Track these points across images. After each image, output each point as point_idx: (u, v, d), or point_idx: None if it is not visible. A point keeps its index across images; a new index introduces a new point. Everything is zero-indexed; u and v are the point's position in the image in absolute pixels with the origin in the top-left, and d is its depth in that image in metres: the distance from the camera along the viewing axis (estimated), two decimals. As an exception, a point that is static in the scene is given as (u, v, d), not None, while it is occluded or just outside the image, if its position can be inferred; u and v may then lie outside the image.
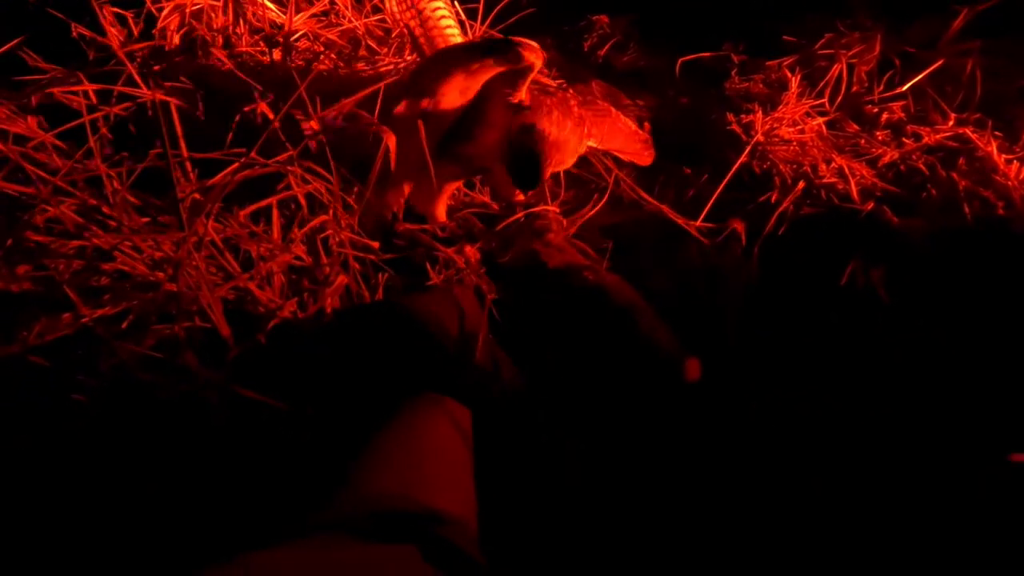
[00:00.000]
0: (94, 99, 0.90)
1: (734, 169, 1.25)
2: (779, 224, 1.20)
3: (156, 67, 1.07)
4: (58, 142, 0.96)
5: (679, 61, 1.65)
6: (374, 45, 1.46)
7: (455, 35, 1.28)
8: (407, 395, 0.86)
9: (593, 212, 1.25)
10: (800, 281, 1.13)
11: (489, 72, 1.05)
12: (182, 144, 0.81)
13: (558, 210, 1.19)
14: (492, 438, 0.91)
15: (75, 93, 0.96)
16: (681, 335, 1.04)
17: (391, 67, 1.42)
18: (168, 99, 0.80)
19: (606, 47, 1.80)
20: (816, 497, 0.94)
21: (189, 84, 1.09)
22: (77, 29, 1.24)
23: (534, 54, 1.03)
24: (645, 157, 1.31)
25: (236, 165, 0.85)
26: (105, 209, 0.92)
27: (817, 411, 1.00)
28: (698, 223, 1.21)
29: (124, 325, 0.92)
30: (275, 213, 0.97)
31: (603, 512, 0.94)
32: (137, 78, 0.95)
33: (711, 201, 1.22)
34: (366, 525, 0.66)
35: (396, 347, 0.93)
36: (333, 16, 1.50)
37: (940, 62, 1.45)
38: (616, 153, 1.30)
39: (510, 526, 0.87)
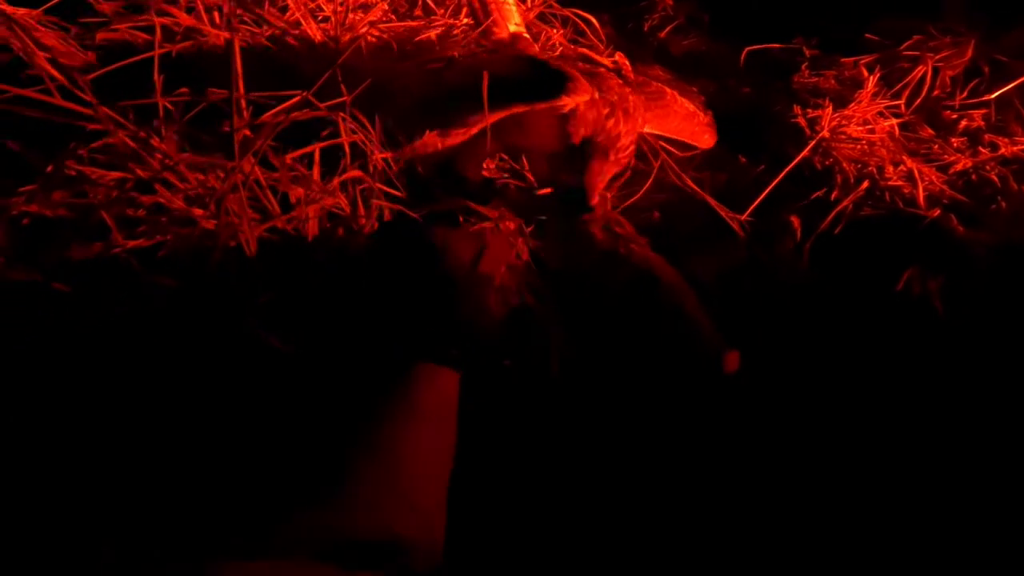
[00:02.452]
0: (159, 36, 0.96)
1: (796, 161, 1.26)
2: (836, 222, 1.19)
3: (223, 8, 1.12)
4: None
5: (745, 50, 1.66)
6: (431, 4, 1.50)
7: (510, 4, 1.32)
8: (401, 358, 0.87)
9: (639, 195, 1.27)
10: (852, 283, 1.13)
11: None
12: (241, 83, 0.86)
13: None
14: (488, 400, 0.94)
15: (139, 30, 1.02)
16: (719, 325, 1.06)
17: (443, 28, 1.46)
18: (234, 35, 0.85)
19: (667, 29, 1.81)
20: (841, 500, 0.95)
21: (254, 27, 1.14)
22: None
23: (579, 95, 1.04)
24: (706, 139, 1.32)
25: (292, 102, 0.90)
26: (154, 142, 0.98)
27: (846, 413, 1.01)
28: (744, 217, 1.22)
29: (157, 258, 0.98)
30: (317, 158, 1.01)
31: (616, 499, 0.96)
32: (204, 16, 1.01)
33: (765, 193, 1.22)
34: (330, 550, 0.67)
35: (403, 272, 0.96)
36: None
37: (1031, 72, 1.42)
38: (673, 135, 1.31)
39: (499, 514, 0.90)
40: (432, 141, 1.06)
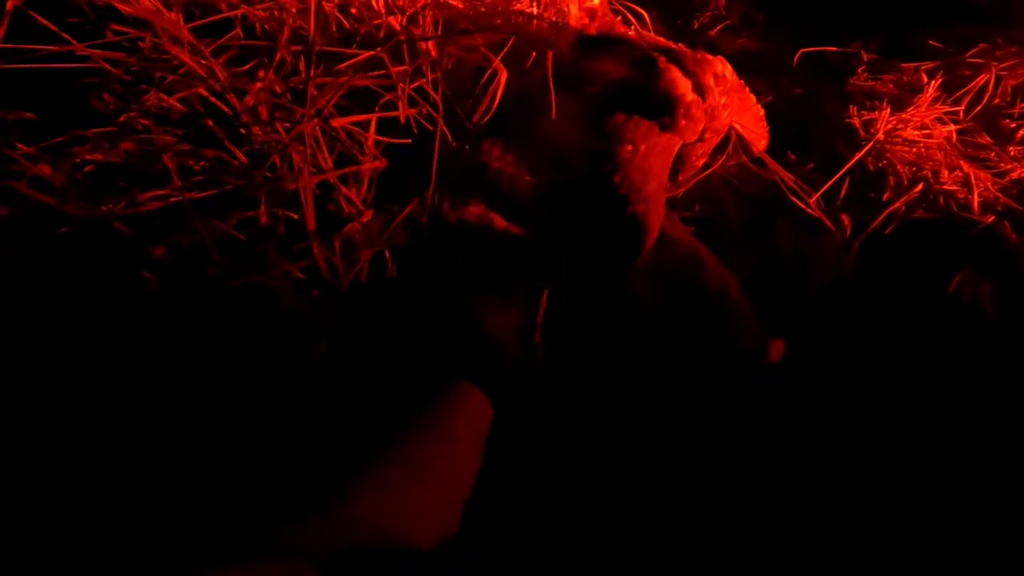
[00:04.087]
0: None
1: (854, 160, 1.28)
2: (887, 223, 1.21)
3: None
4: (191, 37, 1.08)
5: (800, 52, 1.68)
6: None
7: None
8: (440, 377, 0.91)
9: (686, 187, 1.30)
10: (900, 283, 1.14)
11: None
12: (312, 22, 0.91)
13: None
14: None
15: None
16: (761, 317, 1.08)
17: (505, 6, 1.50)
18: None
19: (717, 28, 1.84)
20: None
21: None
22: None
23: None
24: (763, 143, 1.35)
25: (360, 59, 0.95)
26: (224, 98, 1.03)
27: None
28: (812, 200, 1.24)
29: (213, 207, 1.04)
30: (373, 124, 1.06)
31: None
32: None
33: (824, 188, 1.25)
34: (335, 558, 0.68)
35: None
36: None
37: (1095, 84, 1.43)
38: (743, 129, 1.33)
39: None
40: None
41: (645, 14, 1.65)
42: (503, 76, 1.09)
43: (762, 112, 1.32)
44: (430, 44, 1.08)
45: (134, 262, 1.02)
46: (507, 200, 1.00)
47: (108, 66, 1.04)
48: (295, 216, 0.98)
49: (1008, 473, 0.98)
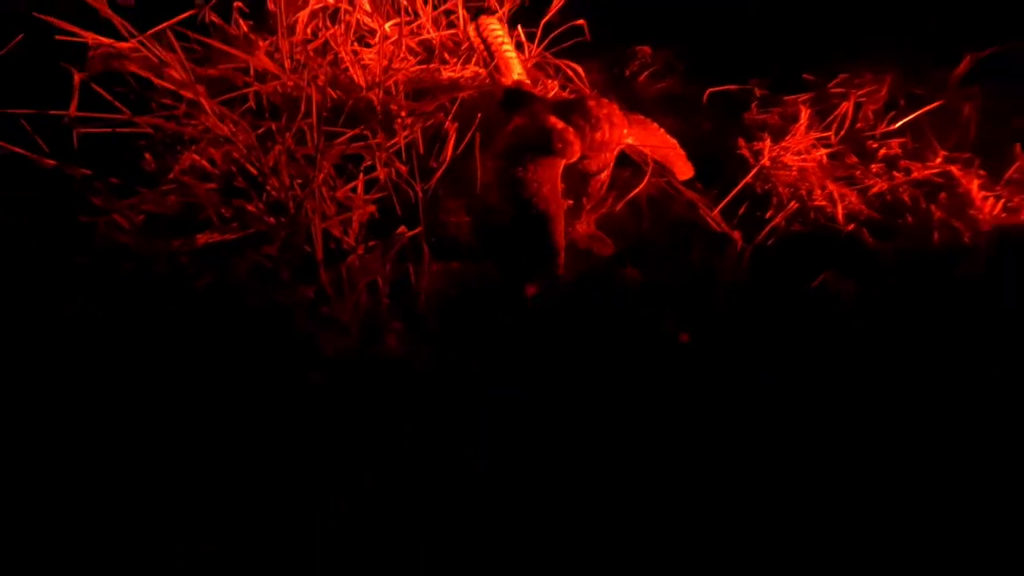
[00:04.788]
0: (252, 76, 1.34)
1: (737, 189, 1.60)
2: (769, 236, 1.53)
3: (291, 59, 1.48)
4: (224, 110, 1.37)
5: (707, 92, 2.01)
6: (446, 55, 1.87)
7: (512, 57, 1.69)
8: None
9: (617, 207, 1.60)
10: (779, 284, 1.46)
11: None
12: (314, 112, 1.22)
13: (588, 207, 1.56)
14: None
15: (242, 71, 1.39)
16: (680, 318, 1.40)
17: (459, 75, 1.82)
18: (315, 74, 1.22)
19: (644, 74, 2.17)
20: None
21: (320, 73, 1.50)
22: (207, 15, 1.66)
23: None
24: (684, 170, 1.65)
25: (346, 136, 1.26)
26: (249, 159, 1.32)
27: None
28: (715, 212, 1.56)
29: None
30: (361, 178, 1.36)
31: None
32: (287, 64, 1.37)
33: (716, 210, 1.57)
34: None
35: None
36: (415, 27, 1.93)
37: (936, 103, 1.76)
38: (654, 153, 1.63)
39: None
40: None
41: (580, 70, 1.99)
42: (452, 138, 1.41)
43: (672, 140, 1.63)
44: (403, 111, 1.39)
45: (185, 284, 1.30)
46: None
47: (151, 130, 1.34)
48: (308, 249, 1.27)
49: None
